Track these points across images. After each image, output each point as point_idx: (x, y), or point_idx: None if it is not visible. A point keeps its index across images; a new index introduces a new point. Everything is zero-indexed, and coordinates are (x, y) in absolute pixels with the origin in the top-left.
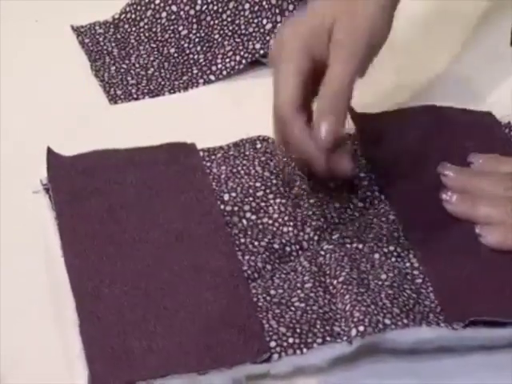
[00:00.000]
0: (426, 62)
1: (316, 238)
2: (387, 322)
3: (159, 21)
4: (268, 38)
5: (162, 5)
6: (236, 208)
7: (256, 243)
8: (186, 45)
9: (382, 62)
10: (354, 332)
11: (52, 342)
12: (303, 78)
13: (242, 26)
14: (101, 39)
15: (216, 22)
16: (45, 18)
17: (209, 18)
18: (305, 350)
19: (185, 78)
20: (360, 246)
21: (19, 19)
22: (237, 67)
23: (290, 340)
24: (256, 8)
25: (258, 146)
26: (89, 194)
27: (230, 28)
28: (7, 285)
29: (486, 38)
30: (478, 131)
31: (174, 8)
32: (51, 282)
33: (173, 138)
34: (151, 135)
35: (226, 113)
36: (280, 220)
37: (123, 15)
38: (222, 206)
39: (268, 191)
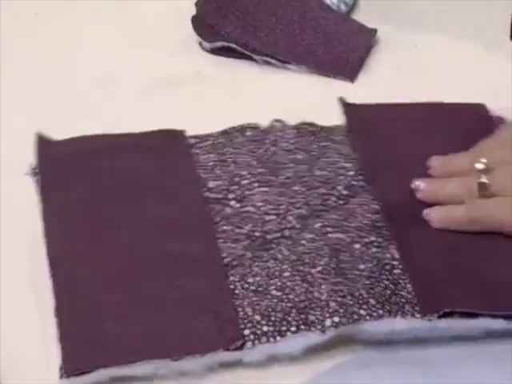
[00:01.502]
0: (425, 59)
1: (298, 226)
2: (362, 312)
3: None
4: None
5: None
6: (220, 196)
7: (237, 231)
8: None
9: (381, 60)
10: (328, 322)
11: (52, 341)
12: None
13: None
14: None
15: None
16: (45, 11)
17: None
18: (278, 338)
19: None
20: (342, 235)
21: (19, 13)
22: None
23: (265, 328)
24: None
25: (248, 133)
26: (74, 178)
27: None
28: (7, 284)
29: (485, 33)
30: (468, 125)
31: None
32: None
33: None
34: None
35: (220, 105)
36: (263, 208)
37: None
38: (207, 194)
39: (253, 179)
